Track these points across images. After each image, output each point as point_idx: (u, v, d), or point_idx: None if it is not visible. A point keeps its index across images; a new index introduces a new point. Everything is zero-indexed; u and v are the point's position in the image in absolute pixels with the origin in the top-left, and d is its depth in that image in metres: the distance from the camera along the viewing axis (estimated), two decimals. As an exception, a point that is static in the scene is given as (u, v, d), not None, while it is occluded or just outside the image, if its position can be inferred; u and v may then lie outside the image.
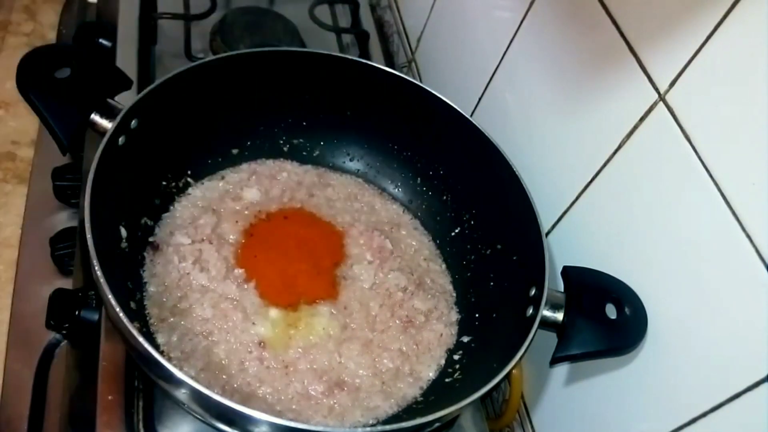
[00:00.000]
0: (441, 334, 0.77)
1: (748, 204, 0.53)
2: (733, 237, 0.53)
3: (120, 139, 0.68)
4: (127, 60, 0.93)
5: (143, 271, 0.73)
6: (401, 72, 0.85)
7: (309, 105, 0.87)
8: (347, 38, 1.15)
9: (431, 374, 0.74)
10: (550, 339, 0.65)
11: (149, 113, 0.71)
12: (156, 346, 0.66)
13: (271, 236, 0.80)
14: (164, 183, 0.79)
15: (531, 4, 0.80)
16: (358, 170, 0.91)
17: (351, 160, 0.91)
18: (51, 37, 1.75)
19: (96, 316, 0.74)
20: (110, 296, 0.56)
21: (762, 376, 0.52)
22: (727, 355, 0.55)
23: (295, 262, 0.78)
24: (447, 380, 0.73)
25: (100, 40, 1.00)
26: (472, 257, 0.83)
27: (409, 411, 0.70)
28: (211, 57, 0.78)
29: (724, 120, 0.55)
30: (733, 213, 0.54)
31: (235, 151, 0.86)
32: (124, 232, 0.72)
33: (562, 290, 0.67)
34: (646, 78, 0.62)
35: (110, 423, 0.64)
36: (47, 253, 0.88)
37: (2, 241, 1.45)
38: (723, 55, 0.54)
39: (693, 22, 0.56)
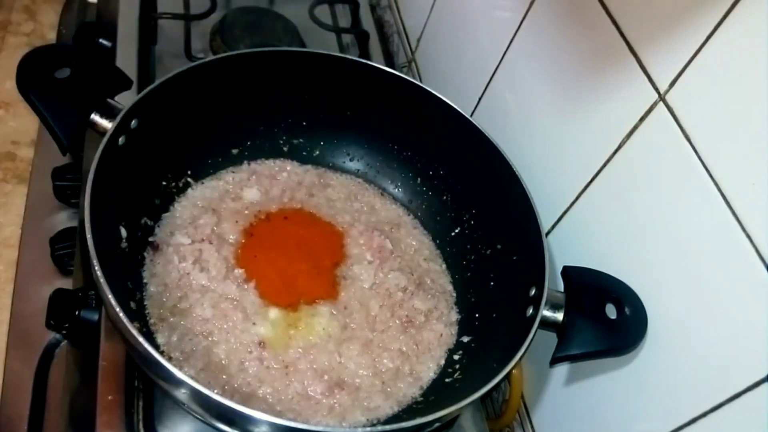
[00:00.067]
0: (441, 334, 0.77)
1: (748, 204, 0.53)
2: (733, 237, 0.54)
3: (120, 139, 0.68)
4: (127, 60, 0.93)
5: (143, 271, 0.73)
6: (401, 72, 0.85)
7: (309, 105, 0.87)
8: (347, 38, 1.15)
9: (431, 374, 0.74)
10: (550, 339, 0.65)
11: (149, 113, 0.71)
12: (156, 346, 0.66)
13: (271, 236, 0.80)
14: (164, 183, 0.79)
15: (531, 4, 0.80)
16: (358, 170, 0.91)
17: (351, 160, 0.91)
18: (51, 37, 1.75)
19: (96, 316, 0.74)
20: (110, 296, 0.56)
21: (762, 376, 0.52)
22: (727, 355, 0.55)
23: (295, 262, 0.78)
24: (447, 380, 0.73)
25: (100, 40, 1.00)
26: (472, 257, 0.83)
27: (409, 411, 0.70)
28: (211, 57, 0.78)
29: (724, 120, 0.55)
30: (733, 213, 0.54)
31: (235, 151, 0.86)
32: (124, 232, 0.72)
33: (562, 290, 0.67)
34: (646, 78, 0.62)
35: (110, 423, 0.64)
36: (47, 253, 0.88)
37: (2, 241, 1.45)
38: (723, 55, 0.54)
39: (693, 22, 0.56)
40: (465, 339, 0.77)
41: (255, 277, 0.75)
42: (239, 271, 0.75)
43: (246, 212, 0.81)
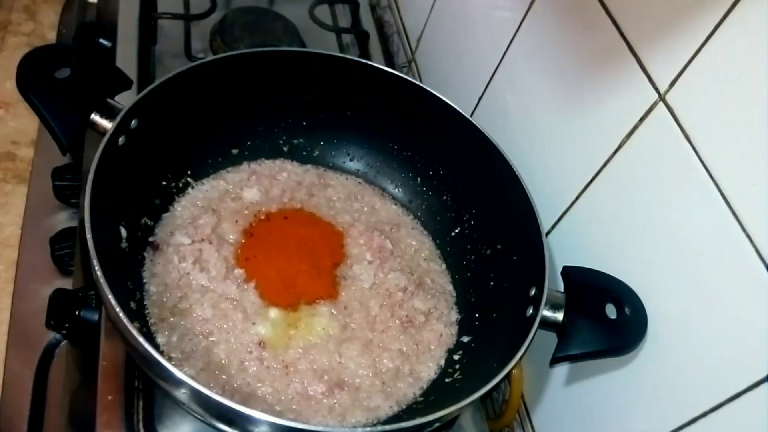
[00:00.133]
0: (441, 334, 0.77)
1: (748, 204, 0.53)
2: (733, 237, 0.54)
3: (120, 139, 0.68)
4: (127, 60, 0.94)
5: (143, 271, 0.73)
6: (401, 72, 0.85)
7: (309, 105, 0.87)
8: (347, 38, 1.15)
9: (431, 374, 0.74)
10: (550, 339, 0.65)
11: (149, 113, 0.71)
12: (156, 346, 0.66)
13: (271, 236, 0.80)
14: (164, 183, 0.79)
15: (531, 4, 0.80)
16: (358, 170, 0.91)
17: (351, 160, 0.91)
18: (51, 37, 1.75)
19: (96, 316, 0.74)
20: (110, 296, 0.56)
21: (762, 376, 0.52)
22: (727, 355, 0.55)
23: (295, 262, 0.78)
24: (447, 380, 0.73)
25: (100, 40, 1.00)
26: (472, 257, 0.83)
27: (409, 411, 0.70)
28: (211, 57, 0.78)
29: (724, 120, 0.55)
30: (733, 213, 0.54)
31: (235, 151, 0.86)
32: (124, 232, 0.72)
33: (562, 290, 0.67)
34: (646, 78, 0.62)
35: (110, 423, 0.64)
36: (47, 253, 0.88)
37: (2, 241, 1.45)
38: (723, 55, 0.54)
39: (693, 22, 0.56)
40: (465, 339, 0.77)
41: (255, 277, 0.75)
42: (239, 271, 0.75)
43: (246, 212, 0.81)
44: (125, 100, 0.70)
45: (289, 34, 1.06)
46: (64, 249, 0.88)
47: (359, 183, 0.91)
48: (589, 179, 0.71)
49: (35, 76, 0.67)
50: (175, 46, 1.01)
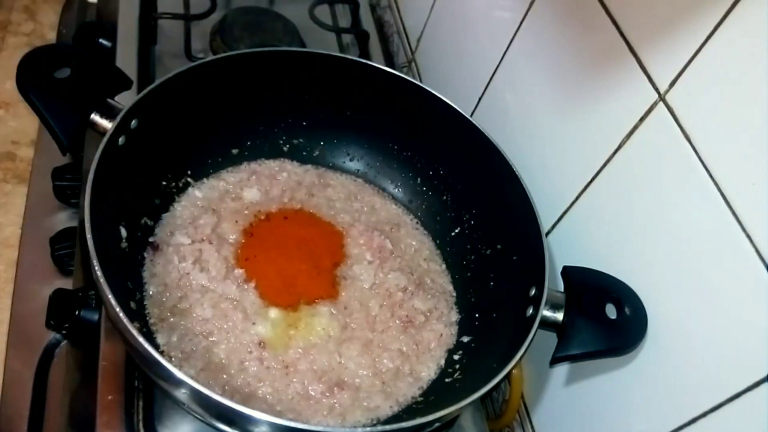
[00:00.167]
0: (441, 334, 0.77)
1: (748, 204, 0.53)
2: (733, 237, 0.54)
3: (120, 139, 0.68)
4: (127, 60, 0.94)
5: (143, 271, 0.73)
6: (401, 72, 0.85)
7: (309, 105, 0.87)
8: (347, 38, 1.15)
9: (431, 374, 0.74)
10: (550, 339, 0.65)
11: (149, 113, 0.71)
12: (156, 346, 0.66)
13: (271, 236, 0.80)
14: (164, 183, 0.79)
15: (531, 4, 0.80)
16: (358, 170, 0.91)
17: (351, 160, 0.91)
18: (51, 37, 1.75)
19: (96, 316, 0.74)
20: (110, 296, 0.56)
21: (762, 376, 0.52)
22: (727, 355, 0.55)
23: (295, 262, 0.78)
24: (447, 380, 0.73)
25: (100, 40, 1.00)
26: (472, 257, 0.83)
27: (409, 411, 0.70)
28: (211, 57, 0.78)
29: (724, 120, 0.55)
30: (733, 213, 0.54)
31: (235, 151, 0.86)
32: (124, 232, 0.72)
33: (562, 290, 0.67)
34: (646, 78, 0.62)
35: (110, 423, 0.64)
36: (47, 253, 0.88)
37: (2, 241, 1.45)
38: (723, 55, 0.54)
39: (693, 22, 0.56)
40: (465, 339, 0.77)
41: (255, 277, 0.75)
42: (239, 271, 0.75)
43: (246, 212, 0.81)
44: (125, 100, 0.70)
45: (289, 34, 1.06)
46: (64, 249, 0.88)
47: (359, 183, 0.90)
48: (589, 179, 0.71)
49: (35, 76, 0.67)
50: (175, 46, 1.01)
